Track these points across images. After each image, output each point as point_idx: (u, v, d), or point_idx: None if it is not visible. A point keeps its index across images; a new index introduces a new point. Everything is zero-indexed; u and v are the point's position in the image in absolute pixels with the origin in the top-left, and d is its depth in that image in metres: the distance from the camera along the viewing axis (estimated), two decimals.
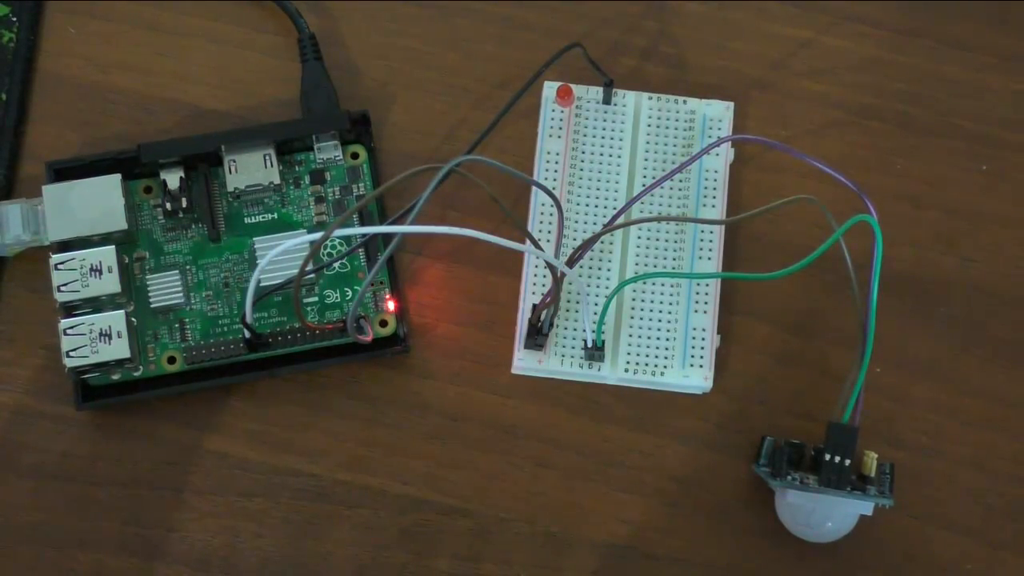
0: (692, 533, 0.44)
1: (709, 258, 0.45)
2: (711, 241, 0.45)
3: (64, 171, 0.44)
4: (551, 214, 0.45)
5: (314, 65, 0.46)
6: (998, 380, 0.46)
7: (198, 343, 0.44)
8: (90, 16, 0.47)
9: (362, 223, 0.45)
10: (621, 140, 0.46)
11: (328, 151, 0.46)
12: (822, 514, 0.42)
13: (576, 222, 0.45)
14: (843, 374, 0.45)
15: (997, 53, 0.48)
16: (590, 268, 0.45)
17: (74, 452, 0.44)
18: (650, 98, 0.46)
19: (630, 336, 0.44)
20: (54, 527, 0.43)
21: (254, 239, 0.45)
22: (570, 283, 0.44)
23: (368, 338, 0.43)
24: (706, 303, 0.45)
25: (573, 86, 0.46)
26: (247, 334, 0.43)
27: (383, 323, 0.45)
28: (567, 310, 0.45)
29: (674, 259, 0.45)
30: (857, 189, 0.42)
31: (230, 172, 0.45)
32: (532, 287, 0.45)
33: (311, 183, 0.46)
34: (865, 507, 0.42)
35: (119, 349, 0.42)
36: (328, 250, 0.45)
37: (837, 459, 0.41)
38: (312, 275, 0.45)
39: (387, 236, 0.44)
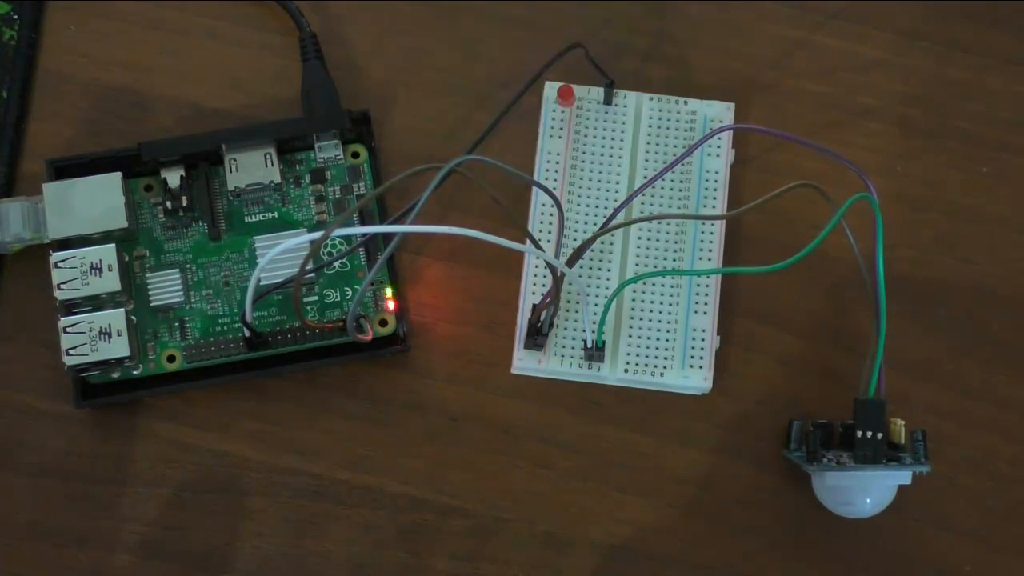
0: (691, 533, 0.44)
1: (709, 259, 0.45)
2: (711, 242, 0.45)
3: (65, 169, 0.44)
4: (551, 214, 0.45)
5: (315, 64, 0.46)
6: (998, 382, 0.46)
7: (198, 342, 0.44)
8: (91, 14, 0.47)
9: (362, 222, 0.45)
10: (622, 140, 0.46)
11: (329, 150, 0.46)
12: (861, 490, 0.42)
13: (576, 222, 0.45)
14: (843, 375, 0.45)
15: (998, 55, 0.48)
16: (590, 268, 0.45)
17: (73, 450, 0.44)
18: (651, 99, 0.46)
19: (630, 336, 0.44)
20: (53, 525, 0.43)
21: (254, 238, 0.45)
22: (570, 283, 0.44)
23: (368, 337, 0.43)
24: (706, 304, 0.45)
25: (574, 86, 0.46)
26: (247, 333, 0.43)
27: (383, 322, 0.45)
28: (567, 310, 0.45)
29: (674, 260, 0.45)
30: (857, 171, 0.42)
31: (231, 171, 0.44)
32: (532, 287, 0.45)
33: (312, 182, 0.46)
34: (903, 477, 0.42)
35: (119, 347, 0.42)
36: (328, 249, 0.45)
37: (869, 434, 0.41)
38: (312, 274, 0.45)
39: (387, 236, 0.44)
